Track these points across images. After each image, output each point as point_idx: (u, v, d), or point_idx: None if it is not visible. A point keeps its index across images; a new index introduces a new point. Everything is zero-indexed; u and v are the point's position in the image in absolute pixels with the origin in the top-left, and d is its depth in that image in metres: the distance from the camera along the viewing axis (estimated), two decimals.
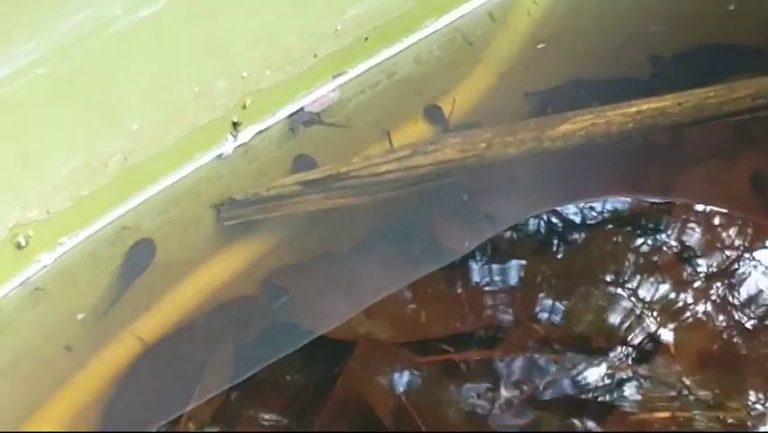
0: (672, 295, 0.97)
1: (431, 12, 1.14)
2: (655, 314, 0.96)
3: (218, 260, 1.01)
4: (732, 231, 1.01)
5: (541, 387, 0.92)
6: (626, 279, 0.99)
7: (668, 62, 1.13)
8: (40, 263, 0.98)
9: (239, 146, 1.06)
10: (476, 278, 1.00)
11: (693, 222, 1.02)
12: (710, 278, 0.98)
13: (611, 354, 0.94)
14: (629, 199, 1.04)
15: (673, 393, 0.92)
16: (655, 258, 1.00)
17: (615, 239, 1.02)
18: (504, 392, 0.92)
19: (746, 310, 0.96)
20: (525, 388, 0.92)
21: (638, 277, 0.99)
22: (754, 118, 1.05)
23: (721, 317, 0.96)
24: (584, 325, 0.96)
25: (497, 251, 1.01)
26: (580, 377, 0.93)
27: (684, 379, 0.92)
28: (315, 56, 1.08)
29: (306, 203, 1.01)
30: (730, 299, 0.97)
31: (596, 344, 0.95)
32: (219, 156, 1.06)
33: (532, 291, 0.99)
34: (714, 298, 0.97)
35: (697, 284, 0.98)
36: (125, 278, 0.99)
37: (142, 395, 0.94)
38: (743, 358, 0.93)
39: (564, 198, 1.04)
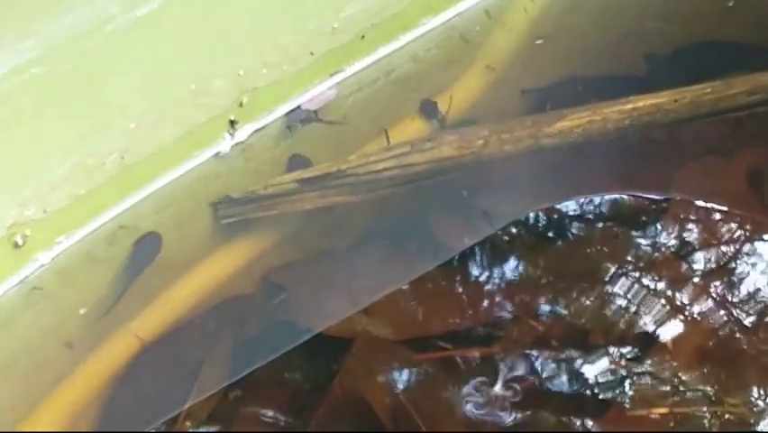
0: (670, 291, 0.98)
1: (428, 10, 1.14)
2: (653, 310, 0.96)
3: (216, 258, 1.01)
4: (730, 227, 1.01)
5: (539, 384, 0.92)
6: (624, 275, 0.99)
7: (665, 59, 1.13)
8: (37, 262, 0.98)
9: (236, 144, 1.06)
10: (474, 275, 1.00)
11: (691, 219, 1.02)
12: (708, 274, 0.98)
13: (609, 351, 0.94)
14: (627, 196, 1.04)
15: (671, 390, 0.92)
16: (653, 254, 1.00)
17: (613, 236, 1.02)
18: (502, 389, 0.92)
19: (744, 306, 0.96)
20: (523, 385, 0.92)
21: (636, 273, 0.99)
22: (751, 114, 1.05)
23: (719, 314, 0.96)
24: (582, 321, 0.96)
25: (495, 248, 1.01)
26: (578, 373, 0.93)
27: (682, 375, 0.92)
28: (312, 54, 1.08)
29: (303, 201, 1.01)
30: (728, 295, 0.97)
31: (594, 340, 0.95)
32: (216, 154, 1.06)
33: (530, 288, 0.99)
34: (712, 294, 0.97)
35: (695, 280, 0.98)
36: (132, 270, 0.99)
37: (140, 393, 0.94)
38: (741, 354, 0.93)
39: (561, 195, 1.04)
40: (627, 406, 0.91)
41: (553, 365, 0.93)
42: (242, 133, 1.06)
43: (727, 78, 1.06)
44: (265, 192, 1.01)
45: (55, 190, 0.97)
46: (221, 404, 0.93)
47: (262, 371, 0.94)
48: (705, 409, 0.90)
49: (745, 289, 0.97)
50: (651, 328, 0.95)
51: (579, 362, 0.93)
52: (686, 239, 1.01)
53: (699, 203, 1.02)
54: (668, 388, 0.92)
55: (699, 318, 0.96)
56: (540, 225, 1.03)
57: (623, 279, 0.98)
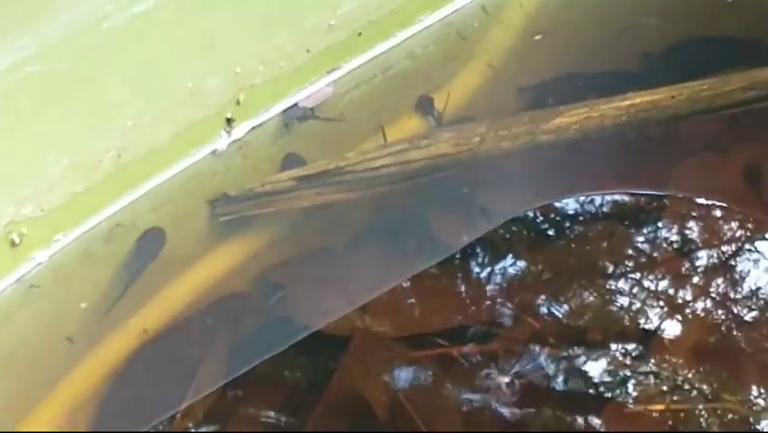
0: (669, 289, 0.98)
1: (424, 6, 1.14)
2: (652, 308, 0.96)
3: (213, 256, 1.01)
4: (730, 225, 1.01)
5: (537, 381, 0.92)
6: (623, 273, 0.99)
7: (662, 55, 1.13)
8: (34, 261, 0.98)
9: (233, 142, 1.06)
10: (472, 272, 1.00)
11: (691, 216, 1.02)
12: (708, 272, 0.99)
13: (608, 348, 0.94)
14: (625, 194, 1.04)
15: (670, 387, 0.92)
16: (653, 252, 1.00)
17: (612, 233, 1.02)
18: (500, 387, 0.92)
19: (743, 304, 0.96)
20: (521, 382, 0.92)
21: (635, 271, 0.99)
22: (748, 111, 1.05)
23: (718, 311, 0.96)
24: (581, 319, 0.96)
25: (494, 246, 1.01)
26: (576, 371, 0.93)
27: (681, 372, 0.93)
28: (309, 51, 1.08)
29: (300, 198, 1.01)
30: (727, 292, 0.97)
31: (592, 337, 0.95)
32: (213, 152, 1.05)
33: (529, 286, 0.99)
34: (711, 291, 0.97)
35: (695, 279, 0.98)
36: (136, 266, 0.99)
37: (138, 392, 0.94)
38: (740, 351, 0.94)
39: (559, 193, 1.04)
40: (626, 403, 0.91)
41: (552, 363, 0.93)
42: (239, 130, 1.06)
43: (724, 73, 1.06)
44: (262, 190, 1.01)
45: (52, 189, 0.97)
46: (218, 402, 0.93)
47: (260, 369, 0.94)
48: (702, 406, 0.90)
49: (745, 287, 0.97)
50: (650, 326, 0.96)
51: (578, 359, 0.94)
52: (686, 237, 1.01)
53: (699, 200, 1.03)
54: (667, 385, 0.92)
55: (698, 316, 0.96)
56: (539, 223, 1.03)
57: (622, 276, 0.98)
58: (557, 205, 1.04)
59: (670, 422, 0.90)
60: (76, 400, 0.94)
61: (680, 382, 0.92)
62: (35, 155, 0.95)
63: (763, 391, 0.91)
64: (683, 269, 0.99)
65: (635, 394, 0.92)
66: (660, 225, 1.02)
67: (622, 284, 0.98)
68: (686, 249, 1.00)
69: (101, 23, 0.94)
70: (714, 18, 1.17)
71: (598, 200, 1.04)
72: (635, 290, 0.97)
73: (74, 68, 0.94)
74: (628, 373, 0.93)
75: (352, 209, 1.02)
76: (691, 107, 1.04)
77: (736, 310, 0.96)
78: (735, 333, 0.94)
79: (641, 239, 1.01)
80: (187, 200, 1.03)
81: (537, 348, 0.94)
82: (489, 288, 0.99)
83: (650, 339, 0.94)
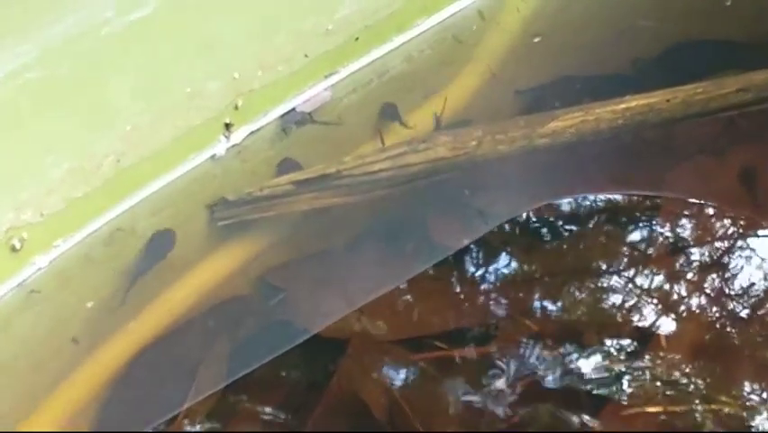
0: (664, 287, 0.98)
1: (421, 11, 1.15)
2: (647, 307, 0.97)
3: (213, 260, 1.01)
4: (723, 223, 1.02)
5: (534, 381, 0.93)
6: (618, 272, 0.99)
7: (658, 58, 1.14)
8: (35, 266, 0.98)
9: (232, 147, 1.06)
10: (469, 274, 1.00)
11: (684, 215, 1.03)
12: (702, 270, 0.99)
13: (604, 348, 0.94)
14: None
15: (666, 386, 0.92)
16: (647, 251, 1.01)
17: (607, 233, 1.02)
18: (498, 387, 0.92)
19: (738, 301, 0.96)
20: (519, 382, 0.93)
21: (630, 270, 0.99)
22: (742, 114, 1.06)
23: (713, 309, 0.96)
24: (577, 319, 0.97)
25: (489, 247, 1.02)
26: (573, 371, 0.93)
27: (676, 371, 0.93)
28: (307, 56, 1.08)
29: (299, 202, 1.01)
30: (722, 290, 0.97)
31: (588, 337, 0.95)
32: (212, 157, 1.06)
33: (525, 286, 0.99)
34: (706, 290, 0.98)
35: (689, 276, 0.99)
36: (144, 264, 0.99)
37: (139, 394, 0.95)
38: (735, 349, 0.94)
39: (556, 195, 1.05)
40: (622, 402, 0.91)
41: (549, 363, 0.94)
42: (238, 135, 1.07)
43: (719, 76, 1.07)
44: (261, 194, 1.01)
45: (52, 194, 0.97)
46: (219, 403, 0.93)
47: (260, 371, 0.94)
48: (698, 403, 0.91)
49: (738, 284, 0.98)
50: (645, 324, 0.96)
51: (574, 358, 0.94)
52: (679, 235, 1.01)
53: (693, 199, 1.03)
54: (662, 383, 0.92)
55: (692, 314, 0.96)
56: (534, 223, 1.04)
57: (616, 275, 0.99)
58: (552, 206, 1.04)
59: (666, 420, 0.90)
60: (77, 403, 0.94)
61: (676, 381, 0.92)
62: (35, 160, 0.96)
63: (756, 387, 0.91)
64: (679, 267, 0.99)
65: (630, 392, 0.92)
66: (654, 223, 1.02)
67: (617, 283, 0.98)
68: (681, 248, 1.00)
69: (100, 29, 0.95)
70: (709, 21, 1.17)
71: (593, 200, 1.04)
72: (631, 289, 0.98)
73: (74, 73, 0.94)
74: (625, 373, 0.93)
75: (350, 213, 1.03)
76: (686, 110, 1.05)
77: (730, 307, 0.96)
78: (729, 330, 0.95)
79: (635, 238, 1.02)
80: (187, 204, 1.03)
81: (534, 349, 0.95)
82: (485, 289, 0.99)
83: (646, 338, 0.95)
